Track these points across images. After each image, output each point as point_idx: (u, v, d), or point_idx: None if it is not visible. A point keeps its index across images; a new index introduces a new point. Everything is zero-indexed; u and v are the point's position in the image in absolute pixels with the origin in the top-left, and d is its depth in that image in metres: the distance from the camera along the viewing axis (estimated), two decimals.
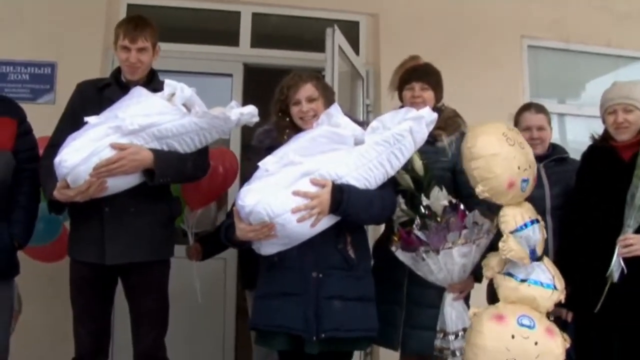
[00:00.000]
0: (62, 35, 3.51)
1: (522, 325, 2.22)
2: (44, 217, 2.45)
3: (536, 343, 2.19)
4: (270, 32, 4.08)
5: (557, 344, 2.20)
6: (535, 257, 2.27)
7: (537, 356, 2.17)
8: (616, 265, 2.28)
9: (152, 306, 2.39)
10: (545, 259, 2.32)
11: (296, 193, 2.08)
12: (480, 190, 2.24)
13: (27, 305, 2.59)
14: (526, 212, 2.28)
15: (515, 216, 2.26)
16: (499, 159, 2.22)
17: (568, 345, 2.22)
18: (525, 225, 2.26)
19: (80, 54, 3.47)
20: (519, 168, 2.24)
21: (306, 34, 3.99)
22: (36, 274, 2.71)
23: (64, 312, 2.42)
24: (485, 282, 2.37)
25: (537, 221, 2.30)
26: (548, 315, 2.27)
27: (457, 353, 2.32)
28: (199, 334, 3.61)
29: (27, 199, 2.34)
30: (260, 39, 3.98)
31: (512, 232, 2.21)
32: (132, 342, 2.41)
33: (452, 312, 2.35)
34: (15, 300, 2.41)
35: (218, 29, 4.06)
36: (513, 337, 2.19)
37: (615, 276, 2.28)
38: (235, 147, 3.76)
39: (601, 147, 2.46)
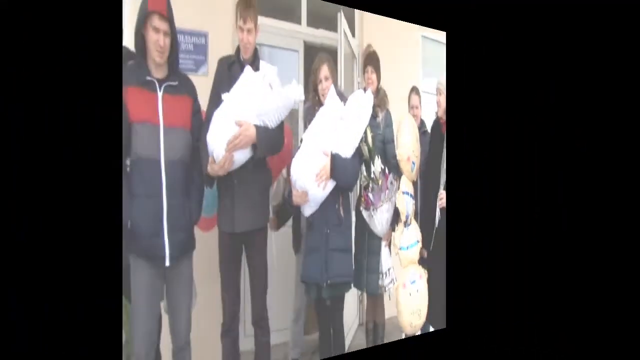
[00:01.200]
0: (213, 5, 3.20)
1: (412, 282, 2.63)
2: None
3: (417, 290, 2.66)
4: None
5: (423, 282, 2.69)
6: (408, 223, 2.68)
7: (422, 297, 2.66)
8: (437, 214, 2.64)
9: (261, 269, 2.43)
10: (413, 222, 2.74)
11: (318, 174, 2.25)
12: (398, 152, 2.68)
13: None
14: (409, 186, 2.74)
15: (406, 184, 2.71)
16: (410, 138, 2.71)
17: (426, 276, 2.67)
18: (406, 193, 2.67)
19: (226, 24, 3.17)
20: (413, 152, 2.73)
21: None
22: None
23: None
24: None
25: (412, 197, 2.70)
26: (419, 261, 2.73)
27: (385, 289, 2.67)
28: (273, 297, 3.08)
29: (199, 175, 2.26)
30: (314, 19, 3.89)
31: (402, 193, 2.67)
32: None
33: (384, 256, 2.68)
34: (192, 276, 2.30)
35: (282, 6, 3.88)
36: (410, 294, 2.61)
37: (436, 222, 2.63)
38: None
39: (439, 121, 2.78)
